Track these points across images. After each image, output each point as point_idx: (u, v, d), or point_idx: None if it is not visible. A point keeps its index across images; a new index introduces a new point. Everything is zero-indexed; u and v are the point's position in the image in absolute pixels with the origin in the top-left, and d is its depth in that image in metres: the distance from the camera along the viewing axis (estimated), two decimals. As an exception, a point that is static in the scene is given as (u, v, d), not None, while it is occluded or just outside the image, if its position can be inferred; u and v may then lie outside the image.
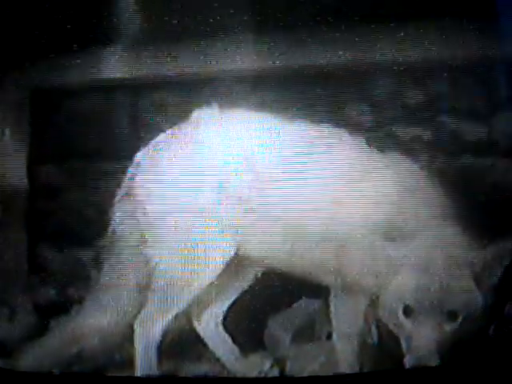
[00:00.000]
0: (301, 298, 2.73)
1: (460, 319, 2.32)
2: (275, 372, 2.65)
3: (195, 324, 2.73)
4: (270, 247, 2.61)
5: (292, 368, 2.62)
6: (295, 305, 2.73)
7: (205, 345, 2.72)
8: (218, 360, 2.70)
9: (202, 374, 2.66)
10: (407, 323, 2.34)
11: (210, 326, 2.74)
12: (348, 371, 2.46)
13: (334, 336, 2.56)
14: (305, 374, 2.51)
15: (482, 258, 2.37)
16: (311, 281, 2.59)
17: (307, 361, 2.60)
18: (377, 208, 2.53)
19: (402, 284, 2.38)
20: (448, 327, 2.32)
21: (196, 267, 2.62)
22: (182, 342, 2.69)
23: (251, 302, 2.70)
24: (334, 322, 2.56)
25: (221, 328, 2.74)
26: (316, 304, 2.72)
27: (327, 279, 2.57)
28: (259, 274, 2.71)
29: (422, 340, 2.30)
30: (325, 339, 2.69)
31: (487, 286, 2.37)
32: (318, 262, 2.57)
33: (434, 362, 2.25)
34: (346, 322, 2.52)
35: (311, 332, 2.72)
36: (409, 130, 2.76)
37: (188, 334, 2.71)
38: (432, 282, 2.35)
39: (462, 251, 2.41)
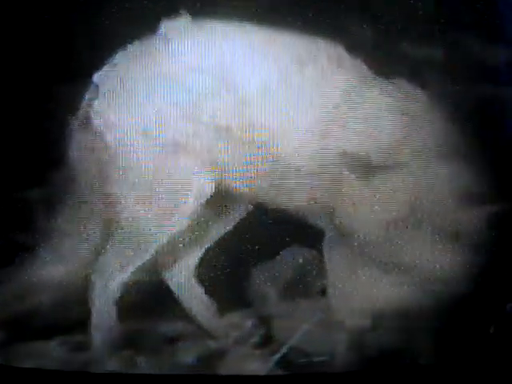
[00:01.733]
0: (290, 244, 2.39)
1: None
2: (259, 333, 2.36)
3: (165, 276, 2.43)
4: (255, 182, 2.32)
5: (279, 329, 2.32)
6: (283, 253, 2.38)
7: (176, 301, 2.41)
8: (192, 319, 2.40)
9: (172, 335, 2.36)
10: None
11: (182, 278, 2.44)
12: (345, 335, 2.17)
13: (329, 291, 2.25)
14: (295, 337, 2.21)
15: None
16: (303, 224, 2.31)
17: (297, 321, 2.29)
18: (373, 140, 2.27)
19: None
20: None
21: (166, 208, 2.33)
22: (148, 298, 2.37)
23: (231, 250, 2.40)
24: (328, 275, 2.25)
25: (195, 281, 2.44)
26: (308, 252, 2.38)
27: (321, 221, 2.29)
28: (242, 216, 2.41)
29: None
30: (318, 295, 2.36)
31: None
32: (310, 199, 2.30)
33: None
34: (342, 273, 2.19)
35: (302, 286, 2.39)
36: (417, 49, 2.37)
37: (156, 288, 2.40)
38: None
39: (450, 196, 2.18)
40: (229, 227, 2.44)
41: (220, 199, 2.39)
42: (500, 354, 1.95)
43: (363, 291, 2.22)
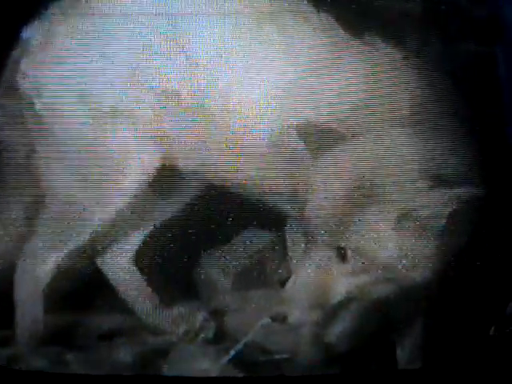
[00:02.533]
0: (247, 227, 2.17)
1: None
2: (210, 329, 2.13)
3: (100, 262, 2.20)
4: (208, 160, 2.11)
5: (233, 323, 2.10)
6: (238, 237, 2.17)
7: (113, 290, 2.19)
8: (131, 311, 2.18)
9: (108, 330, 2.14)
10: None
11: (120, 265, 2.21)
12: (308, 330, 1.96)
13: (291, 282, 2.01)
14: (251, 332, 2.00)
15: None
16: (262, 206, 2.10)
17: (254, 314, 2.08)
18: (339, 107, 2.04)
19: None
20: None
21: (103, 186, 2.13)
22: (80, 287, 2.15)
23: (178, 234, 2.15)
24: (291, 263, 2.05)
25: (135, 268, 2.21)
26: (268, 236, 2.17)
27: (281, 203, 2.08)
28: (191, 196, 2.18)
29: None
30: (279, 286, 2.12)
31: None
32: (268, 179, 2.08)
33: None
34: (307, 262, 1.97)
35: (260, 275, 2.17)
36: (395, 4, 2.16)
37: (90, 276, 2.17)
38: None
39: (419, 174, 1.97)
40: (176, 208, 2.21)
41: (166, 176, 2.17)
42: (501, 355, 1.85)
43: (326, 282, 2.02)
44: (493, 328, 1.92)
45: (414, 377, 1.85)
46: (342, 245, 1.97)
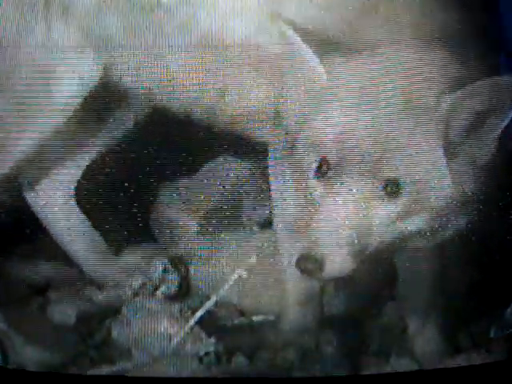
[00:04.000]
0: (218, 155, 1.87)
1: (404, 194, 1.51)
2: (171, 282, 1.80)
3: (30, 198, 1.90)
4: (164, 70, 1.74)
5: (201, 275, 1.78)
6: (206, 168, 1.86)
7: (47, 233, 1.88)
8: (70, 259, 1.87)
9: (41, 283, 1.81)
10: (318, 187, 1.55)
11: (55, 201, 1.91)
12: (296, 283, 1.66)
13: (275, 223, 1.71)
14: (224, 286, 1.66)
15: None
16: (237, 134, 1.76)
17: (227, 263, 1.76)
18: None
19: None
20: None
21: (31, 105, 1.79)
22: (6, 227, 1.81)
23: (129, 163, 1.82)
24: (273, 201, 1.72)
25: (74, 205, 1.89)
26: (244, 166, 1.84)
27: (260, 129, 1.73)
28: (146, 116, 1.85)
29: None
30: (258, 228, 1.85)
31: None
32: (251, 100, 1.72)
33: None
34: (292, 200, 1.65)
35: (234, 214, 1.85)
36: None
37: (18, 215, 1.86)
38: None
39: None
40: (124, 131, 1.90)
41: (107, 96, 1.84)
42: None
43: (318, 223, 1.69)
44: (493, 329, 1.67)
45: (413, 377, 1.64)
46: (390, 176, 1.62)
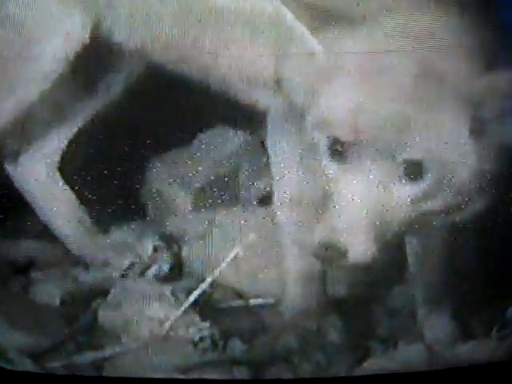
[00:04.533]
0: (214, 125, 1.76)
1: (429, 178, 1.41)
2: (163, 261, 1.70)
3: (11, 170, 1.79)
4: (156, 28, 1.63)
5: (196, 255, 1.68)
6: (200, 139, 1.75)
7: (29, 207, 1.77)
8: (53, 236, 1.76)
9: (23, 262, 1.70)
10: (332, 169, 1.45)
11: (37, 173, 1.80)
12: (301, 264, 1.55)
13: (275, 198, 1.60)
14: (220, 267, 1.56)
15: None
16: (233, 100, 1.65)
17: (223, 242, 1.65)
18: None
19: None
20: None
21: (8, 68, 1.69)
22: None
23: (117, 133, 1.71)
24: (274, 175, 1.61)
25: (58, 177, 1.78)
26: (242, 136, 1.74)
27: (261, 94, 1.63)
28: (135, 80, 1.73)
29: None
30: (257, 204, 1.74)
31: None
32: (247, 62, 1.61)
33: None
34: (296, 171, 1.56)
35: (231, 189, 1.74)
36: None
37: None
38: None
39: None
40: (112, 98, 1.78)
41: (96, 56, 1.72)
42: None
43: (337, 208, 1.59)
44: (494, 329, 1.60)
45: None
46: (413, 157, 1.51)
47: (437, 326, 1.70)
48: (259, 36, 1.68)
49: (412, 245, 1.68)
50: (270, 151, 1.68)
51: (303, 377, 1.65)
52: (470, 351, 1.62)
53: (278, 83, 1.70)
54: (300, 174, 1.67)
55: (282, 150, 1.70)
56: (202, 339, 1.61)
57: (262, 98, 1.74)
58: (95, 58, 1.77)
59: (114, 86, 1.82)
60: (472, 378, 1.52)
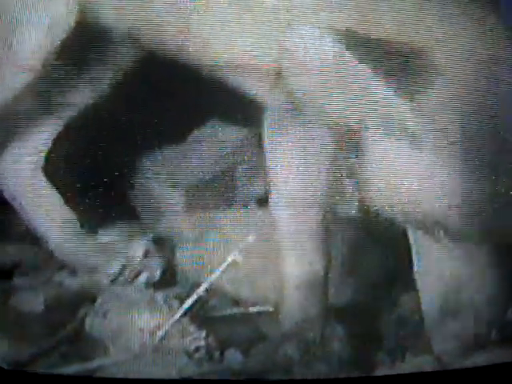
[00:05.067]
0: (208, 120, 1.68)
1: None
2: (155, 266, 1.62)
3: None
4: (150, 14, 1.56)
5: (188, 260, 1.60)
6: (195, 135, 1.67)
7: (12, 209, 1.68)
8: (38, 239, 1.67)
9: (4, 265, 1.62)
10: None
11: (21, 173, 1.71)
12: (300, 269, 1.47)
13: (274, 199, 1.50)
14: (216, 273, 1.48)
15: None
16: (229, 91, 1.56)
17: (221, 245, 1.56)
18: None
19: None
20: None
21: None
22: None
23: (104, 128, 1.61)
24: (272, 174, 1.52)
25: (43, 177, 1.68)
26: (237, 134, 1.66)
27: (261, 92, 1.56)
28: (126, 70, 1.65)
29: None
30: (255, 205, 1.67)
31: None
32: (242, 51, 1.52)
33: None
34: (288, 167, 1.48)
35: (227, 191, 1.67)
36: None
37: None
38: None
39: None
40: (100, 89, 1.69)
41: (83, 45, 1.62)
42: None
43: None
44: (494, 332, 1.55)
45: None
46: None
47: (445, 336, 1.65)
48: (257, 22, 1.61)
49: (417, 247, 1.64)
50: (267, 149, 1.61)
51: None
52: (481, 361, 1.57)
53: (279, 77, 1.64)
54: (300, 173, 1.61)
55: (280, 147, 1.66)
56: (197, 349, 1.55)
57: (261, 91, 1.69)
58: (82, 45, 1.67)
59: (102, 77, 1.72)
60: (472, 378, 1.50)
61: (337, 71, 1.53)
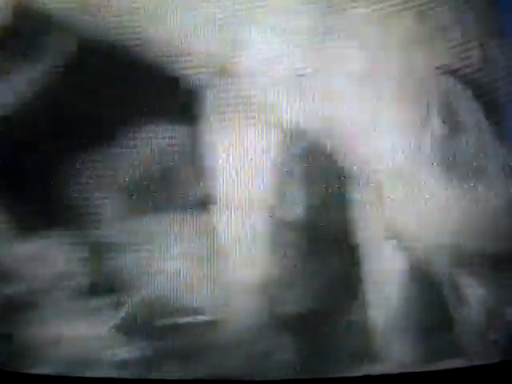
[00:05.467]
0: (145, 117, 1.55)
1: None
2: (85, 272, 1.50)
3: None
4: None
5: (122, 266, 1.48)
6: (128, 131, 1.52)
7: None
8: None
9: None
10: None
11: None
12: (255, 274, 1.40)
13: (216, 204, 1.43)
14: (159, 277, 1.38)
15: None
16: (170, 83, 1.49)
17: (156, 254, 1.45)
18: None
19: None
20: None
21: None
22: None
23: (37, 120, 1.51)
24: (213, 173, 1.43)
25: None
26: (175, 131, 1.52)
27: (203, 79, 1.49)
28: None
29: None
30: (196, 208, 1.50)
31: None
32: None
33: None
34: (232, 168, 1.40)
35: (166, 192, 1.50)
36: None
37: None
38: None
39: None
40: (31, 83, 1.55)
41: (17, 29, 1.53)
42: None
43: None
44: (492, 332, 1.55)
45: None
46: None
47: (400, 344, 1.60)
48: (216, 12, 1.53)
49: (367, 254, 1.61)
50: (207, 148, 1.54)
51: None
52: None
53: (223, 70, 1.56)
54: (244, 174, 1.54)
55: (222, 146, 1.58)
56: (133, 361, 1.50)
57: (205, 85, 1.59)
58: (16, 29, 1.58)
59: (37, 66, 1.58)
60: (472, 378, 1.51)
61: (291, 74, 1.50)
